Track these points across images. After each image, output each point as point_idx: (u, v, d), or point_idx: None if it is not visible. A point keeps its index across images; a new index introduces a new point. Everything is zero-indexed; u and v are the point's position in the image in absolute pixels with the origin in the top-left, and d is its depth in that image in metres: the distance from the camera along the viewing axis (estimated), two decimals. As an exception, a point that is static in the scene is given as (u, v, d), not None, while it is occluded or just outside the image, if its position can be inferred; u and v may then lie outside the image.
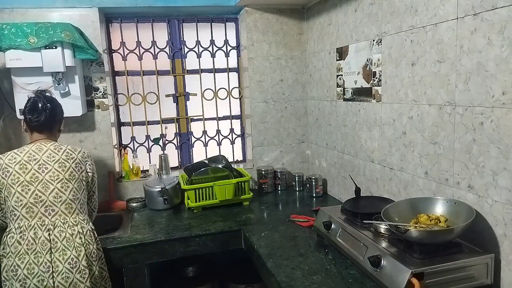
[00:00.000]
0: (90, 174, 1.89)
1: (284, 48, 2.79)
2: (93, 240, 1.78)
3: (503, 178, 1.33)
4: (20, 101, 2.24)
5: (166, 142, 2.87)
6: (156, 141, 2.82)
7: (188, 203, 2.43)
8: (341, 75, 2.35)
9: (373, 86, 2.03)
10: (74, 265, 1.68)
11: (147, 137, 2.82)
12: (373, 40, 1.99)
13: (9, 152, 1.77)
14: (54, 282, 1.64)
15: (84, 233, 1.75)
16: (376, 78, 2.00)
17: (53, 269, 1.65)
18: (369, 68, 2.05)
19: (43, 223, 1.69)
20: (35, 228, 1.68)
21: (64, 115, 2.31)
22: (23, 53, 2.13)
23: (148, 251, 1.99)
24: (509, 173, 1.31)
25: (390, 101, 1.91)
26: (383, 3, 1.89)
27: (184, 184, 2.43)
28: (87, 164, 1.88)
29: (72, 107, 2.32)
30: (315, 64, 2.69)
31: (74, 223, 1.74)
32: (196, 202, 2.38)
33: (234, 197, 2.44)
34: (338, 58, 2.37)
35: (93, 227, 1.82)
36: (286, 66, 2.81)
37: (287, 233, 2.00)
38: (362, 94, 2.14)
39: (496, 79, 1.32)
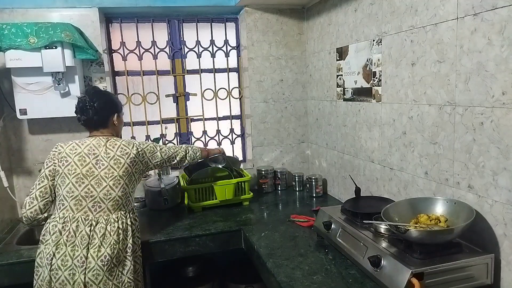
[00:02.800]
0: (145, 160, 1.87)
1: (284, 48, 2.79)
2: (131, 233, 1.78)
3: (503, 178, 1.33)
4: (20, 101, 2.24)
5: (166, 142, 2.87)
6: (156, 141, 2.80)
7: (188, 203, 2.43)
8: (341, 75, 2.35)
9: (373, 86, 2.03)
10: (106, 262, 1.66)
11: (147, 137, 2.82)
12: (373, 40, 1.99)
13: (70, 142, 1.79)
14: (84, 278, 1.64)
15: (124, 228, 1.75)
16: (376, 78, 2.00)
17: (87, 265, 1.65)
18: (369, 68, 2.05)
19: (87, 217, 1.70)
20: (78, 221, 1.69)
21: (65, 115, 2.32)
22: (23, 53, 2.13)
23: (148, 251, 1.99)
24: (509, 173, 1.31)
25: (390, 101, 1.91)
26: (383, 3, 1.89)
27: (184, 184, 2.43)
28: (140, 155, 1.85)
29: (72, 107, 2.26)
30: (315, 64, 2.69)
31: (116, 219, 1.73)
32: (196, 202, 2.38)
33: (234, 197, 2.44)
34: (338, 58, 2.37)
35: (133, 219, 1.82)
36: (286, 66, 2.81)
37: (287, 233, 2.00)
38: (362, 94, 2.14)
39: (496, 79, 1.32)
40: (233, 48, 2.90)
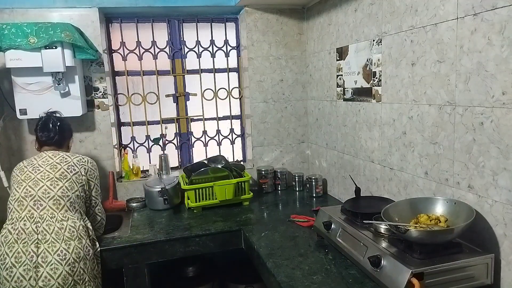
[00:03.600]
0: (84, 178, 1.93)
1: (284, 48, 2.79)
2: (87, 235, 1.82)
3: (503, 178, 1.33)
4: (20, 101, 2.24)
5: (166, 142, 2.87)
6: (156, 141, 2.82)
7: (188, 203, 2.43)
8: (341, 75, 2.35)
9: (373, 86, 2.03)
10: (64, 257, 1.70)
11: (147, 137, 2.82)
12: (373, 40, 1.99)
13: (20, 163, 1.95)
14: (42, 273, 1.66)
15: (77, 228, 1.79)
16: (376, 78, 2.00)
17: (42, 260, 1.68)
18: (369, 68, 2.05)
19: (32, 215, 1.76)
20: (24, 220, 1.75)
21: (64, 115, 2.31)
22: (23, 53, 2.13)
23: (148, 251, 1.99)
24: (509, 173, 1.31)
25: (390, 101, 1.91)
26: (383, 3, 1.89)
27: (184, 184, 2.43)
28: (83, 168, 1.94)
29: (72, 107, 2.32)
30: (315, 64, 2.69)
31: (63, 218, 1.78)
32: (196, 202, 2.38)
33: (234, 197, 2.44)
34: (338, 58, 2.37)
35: (87, 225, 1.87)
36: (286, 66, 2.81)
37: (287, 233, 2.00)
38: (362, 94, 2.14)
39: (496, 79, 1.32)
40: (233, 48, 2.90)
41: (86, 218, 1.90)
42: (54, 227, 1.74)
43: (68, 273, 1.69)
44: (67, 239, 1.74)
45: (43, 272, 1.66)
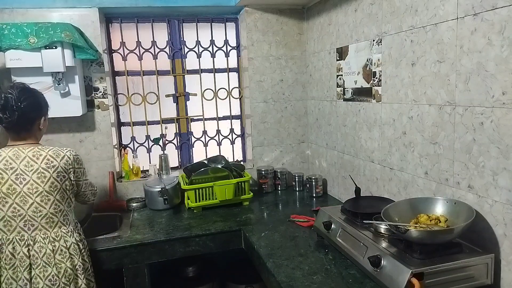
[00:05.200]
0: (74, 182, 1.73)
1: (284, 48, 2.79)
2: (78, 252, 1.70)
3: (503, 178, 1.33)
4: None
5: (166, 142, 2.87)
6: (156, 141, 2.82)
7: (188, 203, 2.43)
8: (341, 75, 2.35)
9: (373, 86, 2.03)
10: (55, 282, 1.61)
11: (147, 137, 2.82)
12: (373, 40, 1.99)
13: None
14: None
15: (68, 247, 1.67)
16: (376, 78, 2.00)
17: (34, 286, 1.59)
18: (369, 68, 2.05)
19: (22, 237, 1.61)
20: (13, 243, 1.60)
21: (65, 115, 2.29)
22: (23, 53, 2.13)
23: (148, 251, 1.99)
24: (509, 173, 1.31)
25: (390, 101, 1.91)
26: (383, 3, 1.89)
27: (184, 184, 2.43)
28: (71, 173, 1.71)
29: (72, 107, 2.32)
30: (315, 64, 2.69)
31: (56, 238, 1.64)
32: (196, 202, 2.38)
33: (234, 197, 2.44)
34: (338, 58, 2.37)
35: (78, 238, 1.73)
36: (286, 66, 2.81)
37: (287, 233, 2.00)
38: (362, 94, 2.14)
39: (496, 79, 1.32)
40: (233, 48, 2.90)
41: (79, 228, 1.79)
42: (45, 250, 1.61)
43: None
44: (58, 262, 1.63)
45: None
